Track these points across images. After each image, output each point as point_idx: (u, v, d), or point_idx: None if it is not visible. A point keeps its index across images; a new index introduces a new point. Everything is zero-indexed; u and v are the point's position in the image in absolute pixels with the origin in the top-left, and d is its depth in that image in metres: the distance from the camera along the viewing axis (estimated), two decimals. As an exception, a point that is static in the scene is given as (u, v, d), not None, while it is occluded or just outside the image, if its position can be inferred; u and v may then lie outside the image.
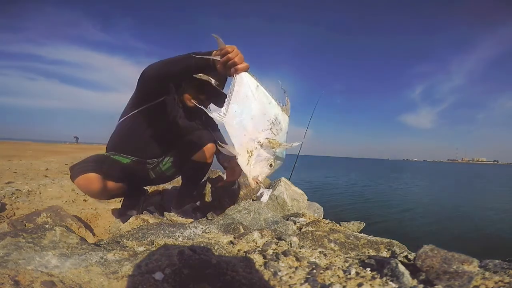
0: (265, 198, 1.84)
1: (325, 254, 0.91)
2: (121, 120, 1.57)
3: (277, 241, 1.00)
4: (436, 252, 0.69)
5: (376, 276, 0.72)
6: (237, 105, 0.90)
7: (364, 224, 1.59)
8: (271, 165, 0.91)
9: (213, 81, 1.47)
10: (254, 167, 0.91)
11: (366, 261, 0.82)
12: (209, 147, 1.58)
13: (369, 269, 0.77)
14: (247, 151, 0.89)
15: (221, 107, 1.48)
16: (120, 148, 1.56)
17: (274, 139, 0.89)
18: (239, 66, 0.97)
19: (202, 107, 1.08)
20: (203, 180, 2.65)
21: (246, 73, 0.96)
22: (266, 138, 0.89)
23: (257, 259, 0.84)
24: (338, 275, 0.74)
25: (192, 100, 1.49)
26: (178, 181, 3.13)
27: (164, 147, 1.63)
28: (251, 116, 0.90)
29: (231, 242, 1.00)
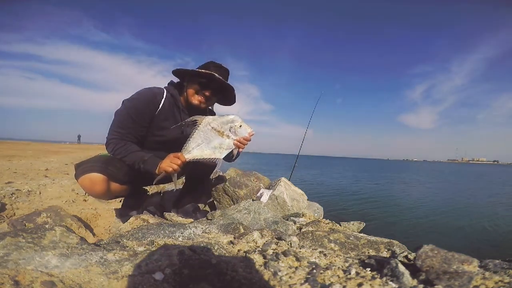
0: (265, 198, 1.84)
1: (325, 254, 0.91)
2: None
3: (277, 241, 1.00)
4: (436, 252, 0.69)
5: (376, 276, 0.72)
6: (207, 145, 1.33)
7: (364, 224, 1.59)
8: (241, 126, 1.34)
9: (216, 74, 1.42)
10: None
11: (366, 261, 0.82)
12: None
13: (369, 269, 0.77)
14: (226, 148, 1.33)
15: (228, 104, 1.69)
16: None
17: (241, 124, 1.34)
18: (178, 164, 1.29)
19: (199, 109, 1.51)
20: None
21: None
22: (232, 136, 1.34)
23: (257, 259, 0.84)
24: (338, 275, 0.74)
25: (197, 97, 1.48)
26: (178, 182, 3.13)
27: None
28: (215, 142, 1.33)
29: (231, 242, 1.00)
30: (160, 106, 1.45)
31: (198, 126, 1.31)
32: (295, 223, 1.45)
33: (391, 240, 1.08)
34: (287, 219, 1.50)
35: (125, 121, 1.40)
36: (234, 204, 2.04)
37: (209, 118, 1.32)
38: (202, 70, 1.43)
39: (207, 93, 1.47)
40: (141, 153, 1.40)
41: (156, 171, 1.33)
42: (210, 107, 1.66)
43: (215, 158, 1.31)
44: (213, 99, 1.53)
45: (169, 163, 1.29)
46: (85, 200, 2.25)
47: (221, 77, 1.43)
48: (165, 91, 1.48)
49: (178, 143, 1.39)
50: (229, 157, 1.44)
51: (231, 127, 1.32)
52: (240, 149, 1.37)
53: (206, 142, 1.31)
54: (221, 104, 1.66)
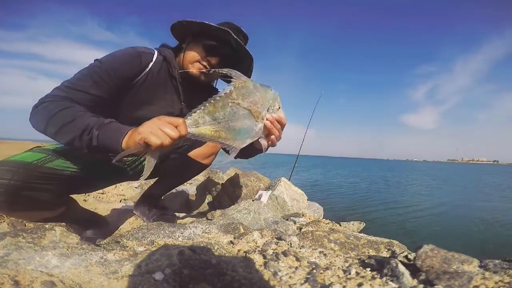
0: (264, 199, 1.85)
1: (325, 254, 0.91)
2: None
3: (277, 241, 1.00)
4: (436, 252, 0.69)
5: (376, 276, 0.72)
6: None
7: (364, 224, 1.59)
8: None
9: (233, 34, 0.99)
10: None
11: (366, 261, 0.82)
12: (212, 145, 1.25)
13: (369, 269, 0.77)
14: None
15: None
16: None
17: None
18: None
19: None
20: (204, 182, 2.63)
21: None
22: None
23: (257, 259, 0.84)
24: (338, 275, 0.74)
25: (197, 64, 1.03)
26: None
27: None
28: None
29: (231, 242, 1.00)
30: (147, 69, 1.00)
31: (223, 92, 0.80)
32: (295, 223, 1.45)
33: (391, 240, 1.08)
34: (287, 219, 1.50)
35: (85, 80, 0.89)
36: (234, 204, 2.04)
37: (244, 81, 0.81)
38: (215, 25, 0.99)
39: (213, 61, 1.03)
40: (96, 118, 0.82)
41: (123, 143, 0.76)
42: (213, 84, 1.19)
43: (231, 146, 0.82)
44: (218, 72, 1.02)
45: (158, 131, 0.72)
46: (85, 200, 2.25)
47: (239, 39, 1.01)
48: (156, 52, 1.04)
49: None
50: (250, 151, 0.99)
51: (269, 107, 0.85)
52: (272, 142, 0.88)
53: (228, 120, 0.80)
54: (226, 82, 1.15)
